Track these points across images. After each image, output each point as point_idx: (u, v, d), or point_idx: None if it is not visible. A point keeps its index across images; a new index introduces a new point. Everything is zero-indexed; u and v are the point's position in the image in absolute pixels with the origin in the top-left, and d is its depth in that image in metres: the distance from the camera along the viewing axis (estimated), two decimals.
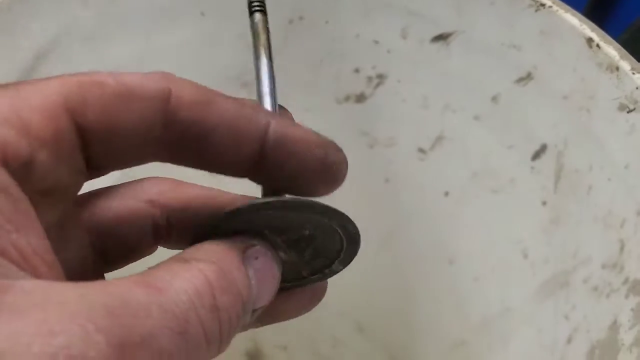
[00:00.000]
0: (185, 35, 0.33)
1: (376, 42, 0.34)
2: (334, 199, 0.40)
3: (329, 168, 0.16)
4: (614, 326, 0.27)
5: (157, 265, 0.13)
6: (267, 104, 0.17)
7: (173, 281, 0.13)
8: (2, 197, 0.11)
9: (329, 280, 0.20)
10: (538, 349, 0.33)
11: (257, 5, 0.19)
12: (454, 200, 0.36)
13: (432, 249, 0.39)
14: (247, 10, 0.19)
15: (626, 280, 0.27)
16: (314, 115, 0.38)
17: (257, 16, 0.19)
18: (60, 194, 0.14)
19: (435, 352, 0.41)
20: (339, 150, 0.17)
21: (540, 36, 0.29)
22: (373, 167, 0.38)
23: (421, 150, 0.36)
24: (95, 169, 0.15)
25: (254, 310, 0.15)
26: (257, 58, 0.18)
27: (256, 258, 0.15)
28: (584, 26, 0.27)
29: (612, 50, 0.27)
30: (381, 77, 0.35)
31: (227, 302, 0.13)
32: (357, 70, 0.35)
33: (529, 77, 0.30)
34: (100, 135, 0.14)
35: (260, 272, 0.15)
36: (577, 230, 0.30)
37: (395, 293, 0.41)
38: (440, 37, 0.32)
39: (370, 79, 0.35)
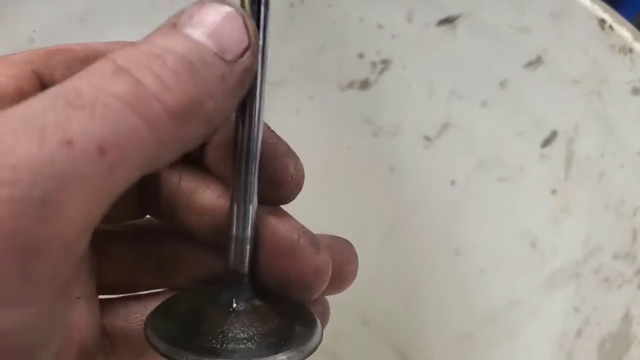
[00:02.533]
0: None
1: (380, 26, 0.33)
2: (340, 187, 0.39)
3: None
4: (626, 319, 0.26)
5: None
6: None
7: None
8: None
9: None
10: (546, 342, 0.32)
11: None
12: (460, 189, 0.35)
13: (437, 240, 0.38)
14: None
15: (639, 271, 0.26)
16: (317, 102, 0.37)
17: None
18: None
19: (441, 346, 0.41)
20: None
21: (550, 18, 0.28)
22: (378, 155, 0.37)
23: (427, 138, 0.35)
24: None
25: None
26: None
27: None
28: (596, 7, 0.26)
29: (625, 31, 0.26)
30: (386, 62, 0.34)
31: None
32: (361, 56, 0.34)
33: (538, 61, 0.29)
34: None
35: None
36: (588, 219, 0.29)
37: (400, 285, 0.40)
38: (447, 21, 0.31)
39: (374, 64, 0.34)
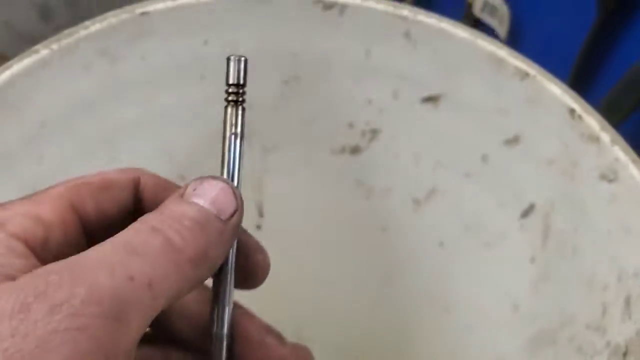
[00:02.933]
0: (184, 96, 0.34)
1: (369, 101, 0.34)
2: (334, 247, 0.41)
3: None
4: None
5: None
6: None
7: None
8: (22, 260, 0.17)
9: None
10: None
11: (233, 93, 0.20)
12: (448, 251, 0.37)
13: (428, 297, 0.39)
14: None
15: (608, 344, 0.28)
16: (311, 166, 0.39)
17: (229, 110, 0.20)
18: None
19: None
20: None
21: (525, 103, 0.30)
22: (370, 216, 0.39)
23: (416, 202, 0.37)
24: (91, 242, 0.19)
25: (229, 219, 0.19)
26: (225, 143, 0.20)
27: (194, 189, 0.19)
28: (566, 96, 0.28)
29: (593, 121, 0.28)
30: (375, 132, 0.36)
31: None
32: (351, 125, 0.36)
33: (516, 140, 0.31)
34: (93, 217, 0.20)
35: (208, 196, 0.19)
36: (563, 288, 0.31)
37: (393, 341, 0.42)
38: (430, 99, 0.33)
39: (364, 133, 0.36)
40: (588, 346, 0.29)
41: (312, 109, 0.36)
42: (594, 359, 0.29)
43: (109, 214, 0.20)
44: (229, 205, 0.19)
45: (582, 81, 0.43)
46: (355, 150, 0.37)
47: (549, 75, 0.29)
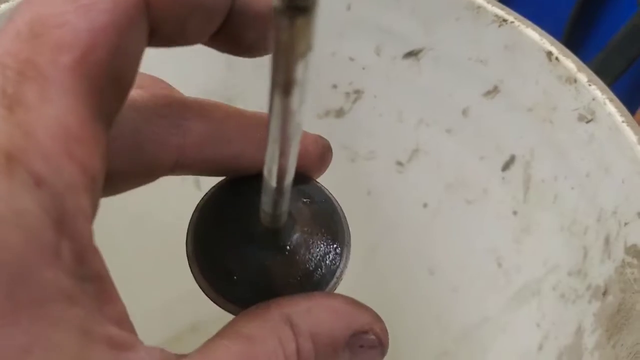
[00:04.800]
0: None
1: (352, 59, 0.35)
2: None
3: None
4: (579, 331, 0.28)
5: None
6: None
7: None
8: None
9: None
10: (514, 358, 0.33)
11: None
12: (432, 212, 0.37)
13: (413, 260, 0.39)
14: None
15: (589, 286, 0.28)
16: None
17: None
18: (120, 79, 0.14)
19: None
20: None
21: (504, 51, 0.30)
22: (355, 180, 0.39)
23: (399, 163, 0.37)
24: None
25: None
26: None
27: (361, 346, 0.15)
28: (544, 40, 0.28)
29: (570, 62, 0.28)
30: (358, 92, 0.36)
31: None
32: (334, 86, 0.36)
33: (495, 90, 0.31)
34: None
35: None
36: (545, 238, 0.31)
37: (381, 305, 0.41)
38: (411, 54, 0.33)
39: (347, 94, 0.36)
40: (570, 292, 0.29)
41: None
42: (576, 303, 0.29)
43: None
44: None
45: (573, 44, 0.43)
46: (339, 113, 0.37)
47: (527, 21, 0.29)
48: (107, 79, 0.13)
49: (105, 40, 0.13)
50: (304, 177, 0.19)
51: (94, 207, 0.13)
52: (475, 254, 0.35)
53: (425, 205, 0.37)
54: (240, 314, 0.15)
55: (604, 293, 0.27)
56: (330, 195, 0.19)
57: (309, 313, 0.15)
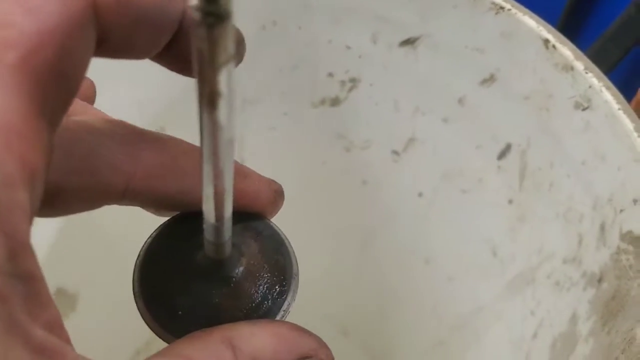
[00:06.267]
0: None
1: (348, 47, 0.35)
2: (316, 201, 0.41)
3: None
4: (573, 319, 0.28)
5: None
6: None
7: None
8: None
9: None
10: (508, 346, 0.34)
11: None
12: (427, 201, 0.37)
13: (409, 249, 0.39)
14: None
15: (584, 274, 0.28)
16: (291, 119, 0.39)
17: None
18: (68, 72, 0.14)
19: (416, 354, 0.42)
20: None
21: (501, 38, 0.30)
22: (351, 169, 0.39)
23: (395, 152, 0.37)
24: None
25: None
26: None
27: None
28: (541, 28, 0.28)
29: (567, 50, 0.28)
30: (354, 81, 0.36)
31: None
32: (330, 75, 0.36)
33: (492, 78, 0.31)
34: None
35: None
36: (540, 227, 0.31)
37: (378, 294, 0.42)
38: (408, 42, 0.33)
39: (343, 83, 0.36)
40: (565, 280, 0.29)
41: (290, 58, 0.36)
42: (571, 291, 0.29)
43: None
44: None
45: (569, 33, 0.43)
46: (335, 102, 0.37)
47: (524, 9, 0.29)
48: (52, 78, 0.13)
49: (51, 42, 0.13)
50: (254, 215, 0.19)
51: (34, 205, 0.13)
52: (471, 243, 0.35)
53: (420, 195, 0.37)
54: (183, 337, 0.15)
55: (599, 280, 0.27)
56: (278, 230, 0.19)
57: (252, 337, 0.15)
